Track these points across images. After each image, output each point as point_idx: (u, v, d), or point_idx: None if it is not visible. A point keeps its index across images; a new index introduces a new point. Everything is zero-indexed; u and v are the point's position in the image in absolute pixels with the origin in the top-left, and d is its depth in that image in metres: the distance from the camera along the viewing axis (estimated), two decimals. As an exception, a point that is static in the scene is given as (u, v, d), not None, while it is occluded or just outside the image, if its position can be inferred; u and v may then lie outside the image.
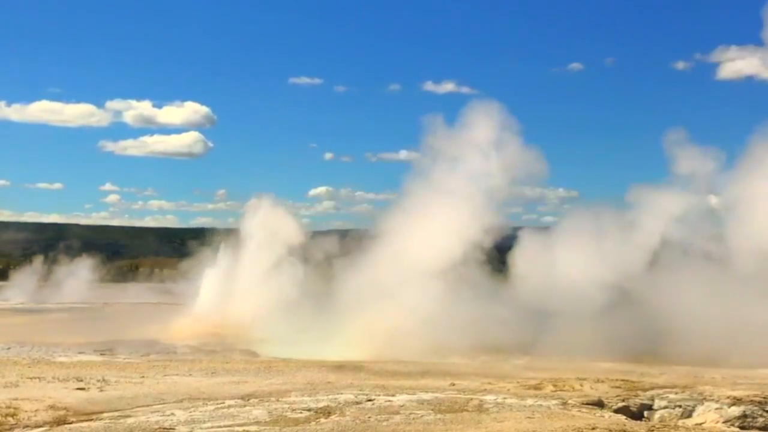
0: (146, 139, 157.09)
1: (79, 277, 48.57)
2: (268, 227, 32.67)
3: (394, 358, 19.22)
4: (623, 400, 12.60)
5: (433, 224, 24.78)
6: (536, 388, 13.41)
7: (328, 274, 29.56)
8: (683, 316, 21.11)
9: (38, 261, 53.19)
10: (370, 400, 11.71)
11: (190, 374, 15.12)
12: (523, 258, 25.73)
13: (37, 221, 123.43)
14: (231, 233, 35.49)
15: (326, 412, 10.72)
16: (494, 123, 26.93)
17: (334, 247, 31.85)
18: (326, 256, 31.30)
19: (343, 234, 34.78)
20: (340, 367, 16.79)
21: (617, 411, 12.04)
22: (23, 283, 48.07)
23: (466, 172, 26.60)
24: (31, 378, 13.95)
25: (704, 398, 12.88)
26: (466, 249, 24.38)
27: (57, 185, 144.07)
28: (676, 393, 13.21)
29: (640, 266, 24.43)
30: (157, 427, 9.74)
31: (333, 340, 22.60)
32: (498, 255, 26.92)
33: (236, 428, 9.68)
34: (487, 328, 22.36)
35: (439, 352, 20.68)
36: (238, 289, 30.64)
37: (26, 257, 69.47)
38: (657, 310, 22.22)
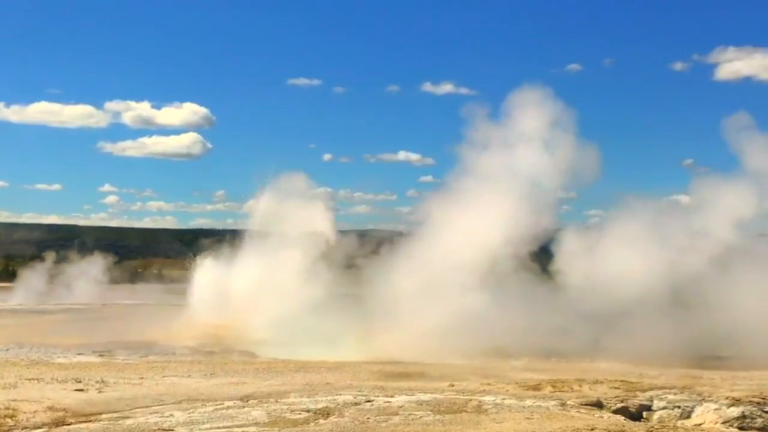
0: (145, 140, 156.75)
1: (82, 278, 48.44)
2: (299, 217, 29.88)
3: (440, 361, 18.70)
4: (622, 401, 12.59)
5: (477, 221, 23.46)
6: (535, 388, 13.42)
7: (352, 274, 28.34)
8: (748, 320, 20.22)
9: (40, 262, 52.93)
10: (369, 401, 11.72)
11: (189, 375, 15.12)
12: (570, 257, 24.23)
13: (36, 222, 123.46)
14: (239, 232, 33.94)
15: (325, 413, 10.73)
16: (545, 114, 25.08)
17: (353, 247, 30.11)
18: (346, 257, 29.54)
19: (362, 234, 32.86)
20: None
21: (616, 412, 12.03)
22: (26, 285, 47.94)
23: (513, 168, 24.87)
24: (29, 379, 13.94)
25: (703, 399, 12.88)
26: (513, 248, 23.26)
27: (56, 186, 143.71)
28: (675, 394, 13.20)
29: (702, 266, 22.52)
30: (156, 428, 9.75)
31: (375, 341, 21.64)
32: (537, 255, 25.30)
33: (235, 429, 9.69)
34: (541, 330, 21.47)
35: (489, 354, 19.97)
36: (263, 287, 28.12)
37: (24, 258, 69.44)
38: (720, 314, 21.03)
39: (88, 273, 49.38)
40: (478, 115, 25.84)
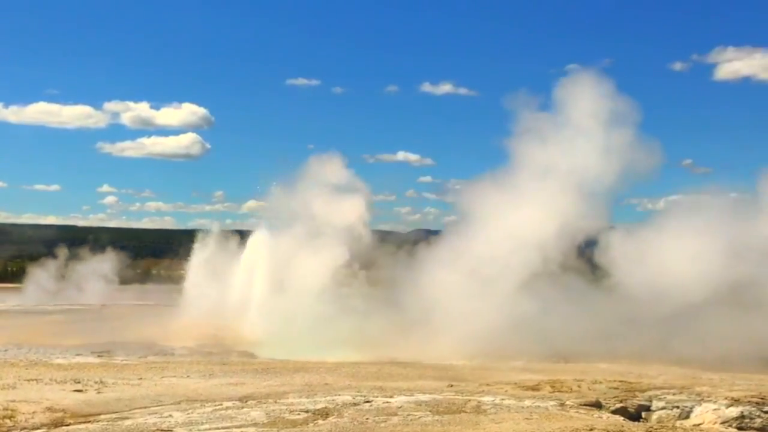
0: (144, 140, 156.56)
1: (92, 277, 48.35)
2: (333, 210, 28.11)
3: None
4: (621, 401, 12.60)
5: (526, 218, 22.50)
6: (534, 389, 13.41)
7: (371, 275, 27.41)
8: None
9: (44, 263, 52.70)
10: (367, 402, 11.71)
11: (188, 376, 15.10)
12: (622, 258, 23.11)
13: (35, 223, 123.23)
14: (239, 232, 33.17)
15: (324, 413, 10.72)
16: (601, 104, 23.88)
17: (374, 246, 28.92)
18: (369, 256, 28.44)
19: (382, 235, 31.73)
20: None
21: (615, 412, 12.04)
22: (33, 285, 47.82)
23: (565, 163, 23.69)
24: (28, 380, 13.92)
25: (702, 399, 12.89)
26: (564, 246, 22.41)
27: (54, 187, 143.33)
28: (674, 394, 13.21)
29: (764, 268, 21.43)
30: (154, 428, 9.74)
31: (428, 343, 20.75)
32: (586, 253, 24.32)
33: (234, 430, 9.69)
34: (598, 333, 20.63)
35: (551, 359, 19.27)
36: (291, 288, 26.94)
37: (23, 259, 69.34)
38: None
39: (98, 273, 49.25)
40: (527, 107, 24.74)
